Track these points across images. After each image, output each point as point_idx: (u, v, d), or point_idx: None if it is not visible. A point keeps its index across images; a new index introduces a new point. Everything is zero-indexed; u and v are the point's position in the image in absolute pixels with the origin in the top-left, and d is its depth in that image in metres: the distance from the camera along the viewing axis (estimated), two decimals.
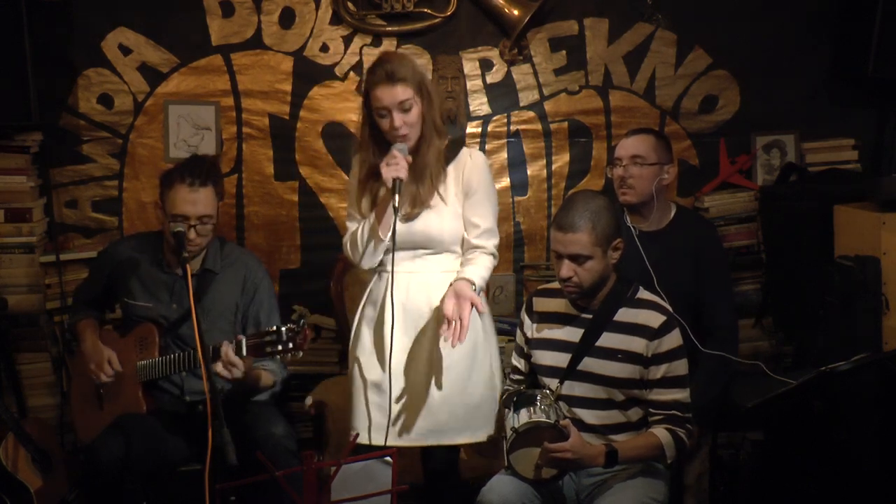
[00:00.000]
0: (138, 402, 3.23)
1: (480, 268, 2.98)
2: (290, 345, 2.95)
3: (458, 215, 3.02)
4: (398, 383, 2.99)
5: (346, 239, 3.06)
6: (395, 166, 2.88)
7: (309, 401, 3.65)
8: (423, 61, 4.02)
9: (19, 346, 3.95)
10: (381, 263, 3.06)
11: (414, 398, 2.99)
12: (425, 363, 3.00)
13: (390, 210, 2.90)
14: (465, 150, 3.07)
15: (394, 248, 2.93)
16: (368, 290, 3.12)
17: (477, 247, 3.01)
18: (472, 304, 2.88)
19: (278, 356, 2.99)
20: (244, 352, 3.03)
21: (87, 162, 4.02)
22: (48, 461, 3.56)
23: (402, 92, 2.90)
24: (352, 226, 3.05)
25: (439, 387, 2.99)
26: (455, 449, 3.14)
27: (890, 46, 3.83)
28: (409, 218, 2.98)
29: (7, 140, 3.87)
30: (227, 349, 3.03)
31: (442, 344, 2.95)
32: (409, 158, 2.93)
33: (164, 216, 3.27)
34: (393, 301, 2.95)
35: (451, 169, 3.02)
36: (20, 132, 3.87)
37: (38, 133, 3.89)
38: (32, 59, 3.72)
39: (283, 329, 2.95)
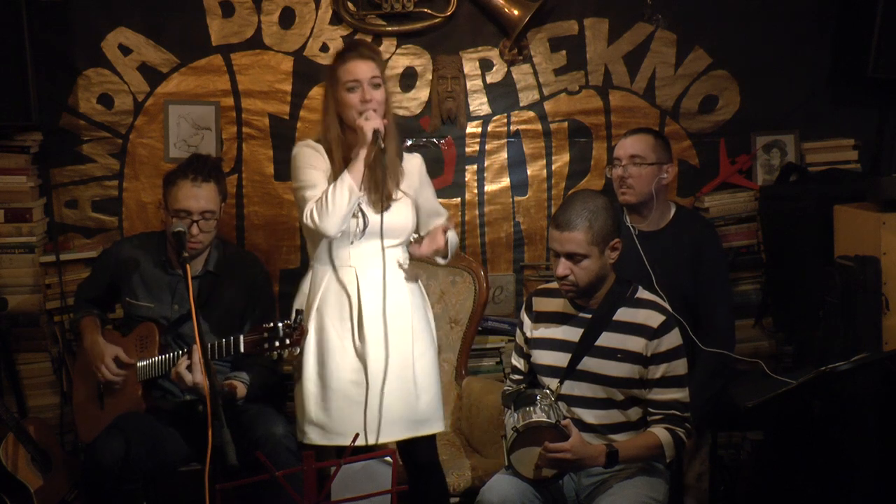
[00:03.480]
0: (139, 402, 3.23)
1: (452, 234, 3.15)
2: (287, 341, 2.95)
3: (414, 209, 3.15)
4: (380, 379, 3.01)
5: (311, 207, 2.98)
6: (375, 119, 2.96)
7: None
8: (423, 61, 4.02)
9: (19, 346, 3.95)
10: (340, 258, 3.06)
11: (398, 391, 3.03)
12: (403, 355, 3.05)
13: (361, 162, 2.96)
14: (405, 153, 3.22)
15: (382, 207, 3.04)
16: (322, 288, 3.08)
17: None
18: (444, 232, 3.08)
19: (276, 353, 2.99)
20: (241, 349, 3.04)
21: (87, 162, 4.02)
22: (48, 461, 3.56)
23: (373, 68, 3.03)
24: (312, 194, 3.02)
25: (418, 376, 3.07)
26: (434, 444, 3.19)
27: (890, 46, 3.83)
28: (378, 209, 3.04)
29: (7, 140, 3.88)
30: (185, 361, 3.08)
31: (414, 334, 3.08)
32: (386, 120, 3.01)
33: (167, 216, 3.27)
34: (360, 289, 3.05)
35: (403, 167, 3.16)
36: (20, 132, 3.87)
37: (38, 133, 3.89)
38: (32, 59, 3.73)
39: (280, 325, 2.95)
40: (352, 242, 3.05)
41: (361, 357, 3.04)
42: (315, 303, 3.09)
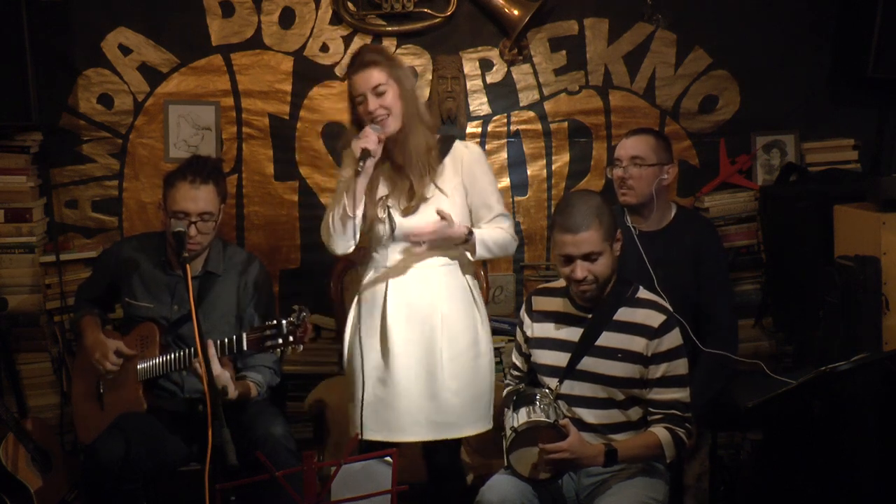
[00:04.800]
0: (139, 401, 3.23)
1: (490, 229, 3.04)
2: (291, 338, 2.94)
3: (459, 206, 3.03)
4: (403, 378, 3.00)
5: (322, 224, 3.04)
6: (365, 139, 2.92)
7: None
8: (423, 61, 4.02)
9: (19, 346, 3.95)
10: (376, 259, 3.08)
11: (421, 392, 3.01)
12: (429, 357, 3.01)
13: (358, 182, 2.93)
14: (458, 142, 3.11)
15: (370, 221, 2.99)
16: (362, 287, 3.12)
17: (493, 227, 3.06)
18: (446, 222, 2.91)
19: (278, 350, 2.99)
20: (244, 346, 3.04)
21: (87, 162, 4.02)
22: (48, 461, 3.56)
23: (374, 76, 2.95)
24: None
25: (445, 380, 3.01)
26: (457, 443, 3.16)
27: (890, 46, 3.83)
28: (407, 212, 3.00)
29: (7, 140, 3.88)
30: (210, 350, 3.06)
31: (444, 337, 3.00)
32: (382, 136, 2.94)
33: (166, 216, 3.27)
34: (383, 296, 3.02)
35: (447, 161, 3.05)
36: (20, 132, 3.87)
37: (38, 133, 3.90)
38: (32, 59, 3.73)
39: (284, 322, 2.94)
40: (384, 245, 3.05)
41: (385, 356, 3.03)
42: (354, 301, 3.13)
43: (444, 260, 3.06)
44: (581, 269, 2.84)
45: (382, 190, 3.05)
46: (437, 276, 3.05)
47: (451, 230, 2.93)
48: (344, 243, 3.00)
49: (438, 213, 2.93)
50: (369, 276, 3.12)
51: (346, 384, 3.15)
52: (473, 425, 3.07)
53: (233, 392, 3.11)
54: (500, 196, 3.12)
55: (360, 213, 2.97)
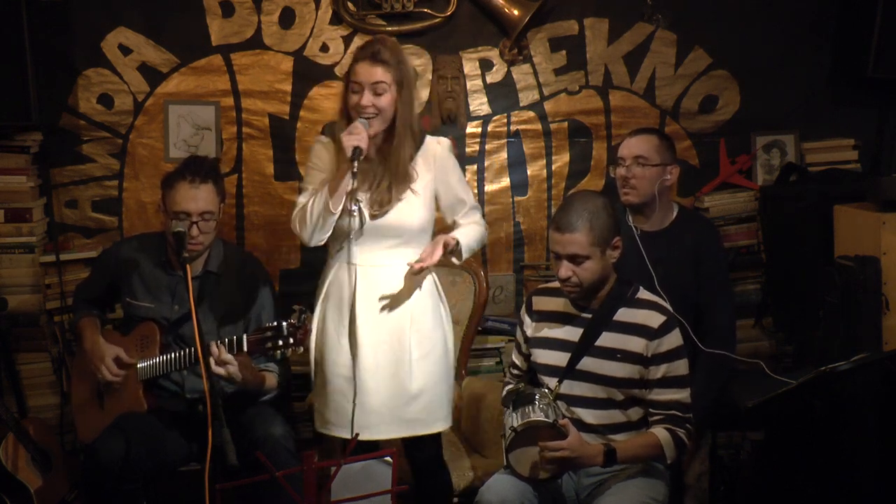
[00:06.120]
0: (139, 402, 3.23)
1: (468, 230, 3.07)
2: (291, 340, 2.95)
3: (428, 204, 3.07)
4: (371, 379, 3.01)
5: (296, 213, 3.05)
6: (357, 136, 2.90)
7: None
8: (423, 61, 4.02)
9: (19, 346, 3.95)
10: (341, 254, 3.06)
11: (389, 392, 3.01)
12: (398, 359, 3.02)
13: (346, 181, 2.90)
14: (429, 137, 3.11)
15: (360, 220, 2.99)
16: (328, 282, 3.10)
17: (467, 224, 3.09)
18: (445, 245, 2.94)
19: (279, 351, 2.99)
20: (245, 348, 3.04)
21: (87, 162, 4.02)
22: (48, 461, 3.56)
23: (379, 74, 2.95)
24: (302, 200, 3.06)
25: (414, 379, 3.02)
26: (438, 441, 3.17)
27: (890, 46, 3.84)
28: (380, 214, 3.00)
29: (7, 140, 3.88)
30: (219, 347, 3.05)
31: (413, 337, 3.02)
32: (371, 132, 2.95)
33: (166, 218, 3.27)
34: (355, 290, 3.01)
35: (419, 158, 3.06)
36: (20, 132, 3.87)
37: (38, 133, 3.89)
38: (32, 59, 3.73)
39: (284, 324, 2.95)
40: (351, 238, 3.02)
41: (353, 355, 3.02)
42: (321, 295, 3.11)
43: (411, 257, 3.02)
44: (565, 269, 2.84)
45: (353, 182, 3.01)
46: (406, 274, 3.04)
47: (442, 244, 2.95)
48: (319, 236, 3.01)
49: (438, 246, 2.94)
50: (334, 270, 3.09)
51: (317, 380, 3.13)
52: (442, 422, 3.10)
53: (238, 377, 3.09)
54: (468, 186, 3.17)
55: (340, 208, 2.97)
